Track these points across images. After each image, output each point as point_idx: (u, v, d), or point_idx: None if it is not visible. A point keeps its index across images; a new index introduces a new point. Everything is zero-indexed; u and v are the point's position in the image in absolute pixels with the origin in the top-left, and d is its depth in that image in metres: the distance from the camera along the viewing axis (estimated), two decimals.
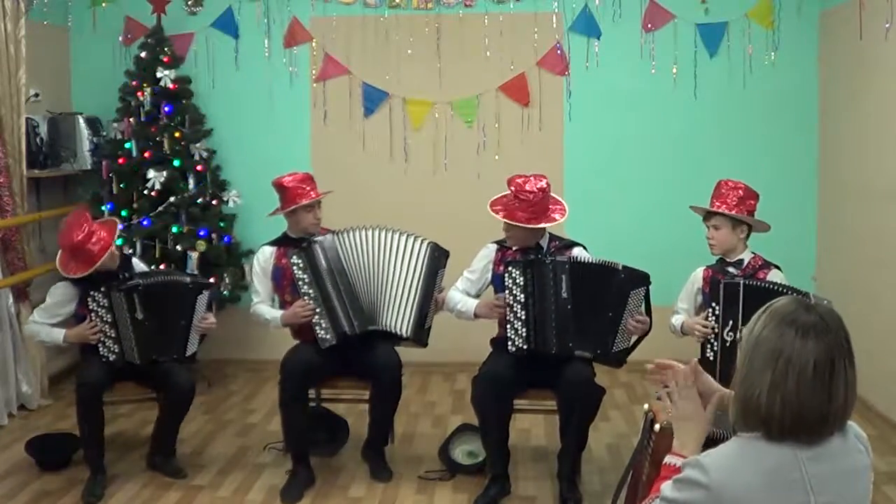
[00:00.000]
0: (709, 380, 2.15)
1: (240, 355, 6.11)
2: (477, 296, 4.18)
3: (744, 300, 3.61)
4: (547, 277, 3.86)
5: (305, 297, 4.08)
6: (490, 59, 6.06)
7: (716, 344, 3.72)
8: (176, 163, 5.60)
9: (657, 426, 2.17)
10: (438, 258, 4.19)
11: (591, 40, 6.04)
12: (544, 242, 4.09)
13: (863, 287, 5.19)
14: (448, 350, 5.64)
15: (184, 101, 5.80)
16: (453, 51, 6.08)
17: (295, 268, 4.09)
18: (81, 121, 5.78)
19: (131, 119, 5.66)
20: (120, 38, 6.15)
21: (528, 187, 3.94)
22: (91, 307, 4.00)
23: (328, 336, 4.08)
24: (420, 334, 4.17)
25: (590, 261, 3.93)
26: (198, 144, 5.75)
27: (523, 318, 3.88)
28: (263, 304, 4.29)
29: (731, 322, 3.66)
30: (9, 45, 5.07)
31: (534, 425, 4.82)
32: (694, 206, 4.03)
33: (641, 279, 3.78)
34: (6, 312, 5.14)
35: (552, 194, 4.08)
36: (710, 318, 3.74)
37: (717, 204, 3.90)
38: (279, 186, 4.26)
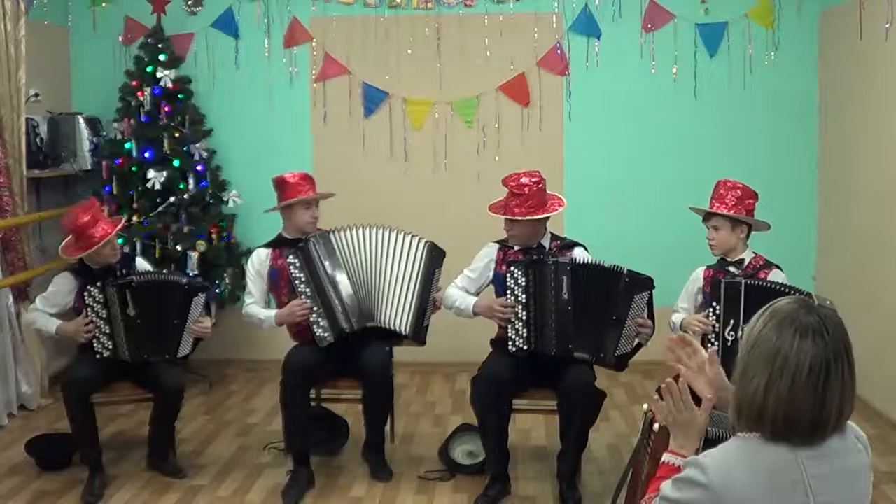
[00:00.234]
0: (720, 372, 2.15)
1: (240, 355, 6.11)
2: (476, 294, 4.17)
3: (745, 300, 3.60)
4: (548, 279, 3.85)
5: (302, 297, 4.08)
6: (490, 59, 6.07)
7: (716, 343, 3.71)
8: (176, 163, 5.61)
9: (656, 426, 2.17)
10: (436, 258, 4.20)
11: (591, 40, 6.05)
12: (546, 242, 4.09)
13: (863, 287, 5.19)
14: (448, 350, 5.65)
15: (184, 101, 5.80)
16: (453, 51, 6.08)
17: (291, 267, 4.09)
18: (81, 121, 5.78)
19: (131, 119, 5.66)
20: (120, 38, 6.16)
21: (522, 181, 3.96)
22: (87, 302, 4.01)
23: (326, 335, 4.08)
24: (419, 332, 4.17)
25: (593, 263, 3.91)
26: (198, 144, 5.75)
27: (524, 318, 3.89)
28: (256, 306, 4.29)
29: (732, 321, 3.66)
30: (9, 45, 5.07)
31: (534, 425, 4.82)
32: (693, 207, 4.03)
33: (645, 284, 3.76)
34: (6, 312, 5.14)
35: (548, 191, 4.08)
36: (710, 318, 3.74)
37: (716, 205, 3.90)
38: (280, 181, 4.27)
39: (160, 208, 5.55)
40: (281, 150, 6.05)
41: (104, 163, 5.66)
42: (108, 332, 4.03)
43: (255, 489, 4.14)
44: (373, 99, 6.13)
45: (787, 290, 3.48)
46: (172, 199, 5.58)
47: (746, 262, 3.90)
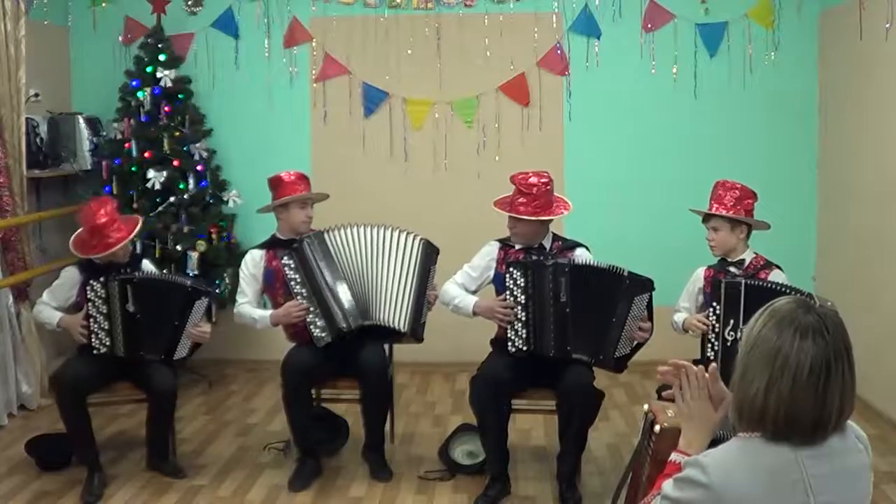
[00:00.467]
0: (724, 389, 2.14)
1: (240, 355, 6.11)
2: (475, 292, 4.17)
3: (745, 300, 3.60)
4: (546, 280, 3.84)
5: (298, 297, 4.08)
6: (490, 59, 6.07)
7: (716, 343, 3.71)
8: (176, 163, 5.60)
9: (657, 427, 2.17)
10: (431, 255, 4.20)
11: (591, 40, 6.05)
12: (547, 242, 4.08)
13: (863, 287, 5.19)
14: (448, 350, 5.65)
15: (184, 101, 5.80)
16: (453, 51, 6.08)
17: (286, 268, 4.09)
18: (81, 121, 5.78)
19: (131, 119, 5.66)
20: (120, 38, 6.16)
21: (530, 181, 3.95)
22: (89, 296, 4.03)
23: (324, 335, 4.08)
24: (417, 329, 4.17)
25: (593, 264, 3.90)
26: (198, 144, 5.75)
27: (523, 319, 3.88)
28: (249, 305, 4.29)
29: (731, 321, 3.65)
30: (9, 45, 5.07)
31: (534, 425, 4.82)
32: (693, 209, 4.02)
33: (645, 285, 3.74)
34: (6, 312, 5.14)
35: (555, 193, 4.07)
36: (710, 318, 3.73)
37: (715, 206, 3.90)
38: (275, 180, 4.28)
39: (160, 208, 5.55)
40: (281, 150, 6.05)
41: (104, 163, 5.66)
42: (106, 327, 4.04)
43: (255, 489, 4.13)
44: (373, 99, 6.13)
45: (787, 291, 3.48)
46: (172, 199, 5.58)
47: (747, 262, 3.90)
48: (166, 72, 5.66)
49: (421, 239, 4.21)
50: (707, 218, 3.93)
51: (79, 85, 6.25)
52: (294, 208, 4.26)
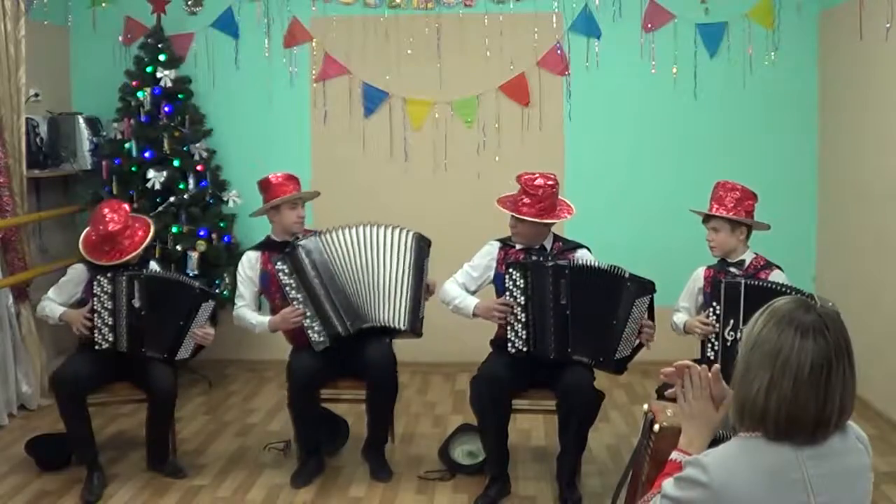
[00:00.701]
0: (726, 388, 2.15)
1: (240, 355, 6.11)
2: (475, 292, 4.16)
3: (745, 300, 3.60)
4: (546, 282, 3.83)
5: (294, 303, 4.08)
6: (490, 59, 6.07)
7: (717, 343, 3.71)
8: (176, 163, 5.61)
9: (657, 427, 2.17)
10: (423, 247, 4.19)
11: (591, 40, 6.04)
12: (548, 243, 4.07)
13: (863, 287, 5.19)
14: (448, 350, 5.66)
15: (184, 101, 5.80)
16: (453, 51, 6.08)
17: (280, 274, 4.08)
18: (81, 121, 5.78)
19: (131, 119, 5.66)
20: (120, 38, 6.16)
21: (536, 182, 3.93)
22: (95, 291, 4.04)
23: (321, 339, 4.08)
24: (415, 325, 4.17)
25: (594, 266, 3.87)
26: (198, 144, 5.75)
27: (523, 320, 3.88)
28: (247, 309, 4.30)
29: (732, 322, 3.65)
30: (9, 45, 5.07)
31: (534, 425, 4.81)
32: (693, 210, 4.02)
33: (647, 288, 3.71)
34: (6, 312, 5.14)
35: (560, 198, 4.05)
36: (710, 318, 3.73)
37: (715, 206, 3.89)
38: (264, 182, 4.28)
39: (160, 208, 5.55)
40: (281, 151, 6.05)
41: (104, 163, 5.66)
42: (110, 323, 4.05)
43: (255, 489, 4.13)
44: (373, 99, 6.13)
45: (787, 291, 3.48)
46: (172, 199, 5.58)
47: (747, 262, 3.90)
48: (166, 72, 5.66)
49: (412, 233, 4.20)
50: (707, 218, 3.92)
51: (79, 85, 6.25)
52: (285, 209, 4.25)
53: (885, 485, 4.03)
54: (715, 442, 1.96)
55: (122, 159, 5.62)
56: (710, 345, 3.76)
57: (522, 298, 3.87)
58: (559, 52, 6.05)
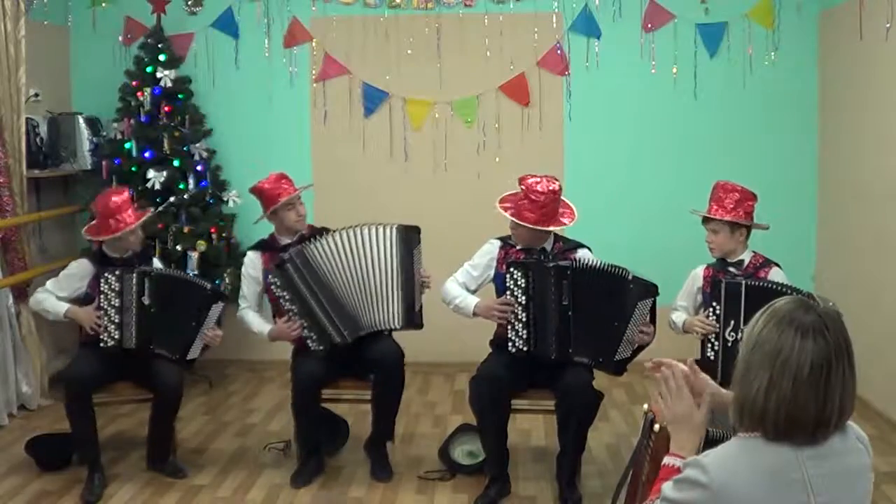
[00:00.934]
0: (705, 379, 2.16)
1: (240, 355, 6.10)
2: (475, 291, 4.15)
3: (746, 300, 3.60)
4: (548, 282, 3.82)
5: (289, 314, 4.08)
6: (490, 59, 6.06)
7: (717, 343, 3.71)
8: (176, 163, 5.61)
9: (657, 426, 2.17)
10: (409, 238, 4.15)
11: (591, 40, 6.04)
12: (549, 244, 4.05)
13: (863, 287, 5.19)
14: (448, 350, 5.66)
15: (184, 101, 5.80)
16: (453, 51, 6.08)
17: (273, 286, 4.09)
18: (81, 121, 5.78)
19: (131, 119, 5.66)
20: (120, 38, 6.15)
21: (538, 188, 3.89)
22: (102, 288, 4.03)
23: (320, 347, 4.10)
24: (412, 320, 4.16)
25: (597, 266, 3.82)
26: (198, 144, 5.76)
27: (524, 319, 3.87)
28: (250, 311, 4.31)
29: (732, 322, 3.65)
30: (9, 45, 5.07)
31: (534, 425, 4.81)
32: (693, 210, 4.01)
33: (650, 290, 3.68)
34: (6, 312, 5.14)
35: (563, 198, 4.03)
36: (710, 317, 3.73)
37: (715, 208, 3.87)
38: (257, 191, 4.27)
39: (160, 208, 5.55)
40: (281, 151, 6.05)
41: (104, 163, 5.66)
42: (116, 320, 4.05)
43: (255, 489, 4.13)
44: (373, 99, 6.13)
45: (788, 291, 3.47)
46: (172, 199, 5.58)
47: (746, 262, 3.90)
48: (166, 72, 5.66)
49: (395, 227, 4.15)
50: (707, 220, 3.92)
51: (79, 85, 6.25)
52: (283, 212, 4.24)
53: (885, 485, 4.03)
54: (714, 442, 1.96)
55: (122, 159, 5.62)
56: (710, 345, 3.76)
57: (523, 298, 3.87)
58: (559, 52, 6.05)
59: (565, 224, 4.00)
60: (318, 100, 6.18)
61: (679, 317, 3.98)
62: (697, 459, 1.80)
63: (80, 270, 4.19)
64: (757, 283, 3.68)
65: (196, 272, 5.45)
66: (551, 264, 3.86)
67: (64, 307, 4.14)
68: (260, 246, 4.34)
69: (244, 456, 4.55)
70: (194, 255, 5.52)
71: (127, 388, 4.25)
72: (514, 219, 3.94)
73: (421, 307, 4.19)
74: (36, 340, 5.32)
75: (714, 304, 3.73)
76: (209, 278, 5.45)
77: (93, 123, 5.87)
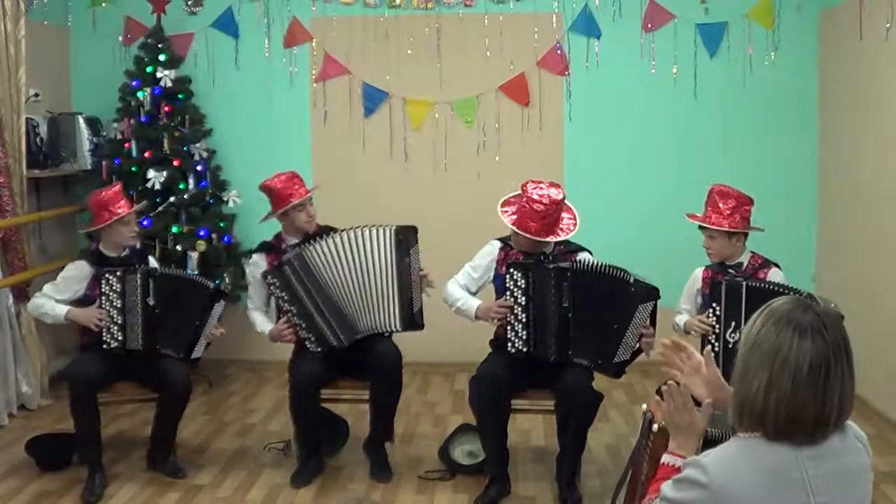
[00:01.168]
0: (717, 372, 2.16)
1: (240, 355, 6.11)
2: (476, 292, 4.15)
3: (746, 301, 3.58)
4: (548, 284, 3.81)
5: (288, 315, 4.08)
6: (490, 59, 6.06)
7: (717, 344, 3.70)
8: (176, 163, 5.61)
9: (655, 426, 2.17)
10: (406, 238, 4.13)
11: (591, 40, 6.04)
12: (549, 246, 4.02)
13: (863, 287, 5.19)
14: (448, 350, 5.66)
15: (184, 101, 5.80)
16: (453, 51, 6.08)
17: (272, 286, 4.08)
18: (81, 121, 5.78)
19: (131, 119, 5.66)
20: (120, 38, 6.16)
21: (543, 200, 3.83)
22: (103, 289, 4.02)
23: (319, 349, 4.10)
24: (412, 321, 4.16)
25: (597, 268, 3.78)
26: (198, 144, 5.76)
27: (524, 320, 3.87)
28: (257, 312, 4.32)
29: (733, 323, 3.64)
30: (9, 45, 5.07)
31: (534, 425, 4.81)
32: (690, 215, 3.97)
33: (652, 294, 3.65)
34: (6, 312, 5.14)
35: (566, 203, 4.00)
36: (710, 318, 3.72)
37: (712, 216, 3.84)
38: (267, 189, 4.24)
39: (160, 208, 5.56)
40: (281, 151, 6.04)
41: (104, 163, 5.67)
42: (119, 321, 4.04)
43: (255, 489, 4.14)
44: (373, 99, 6.13)
45: (788, 292, 3.47)
46: (172, 199, 5.58)
47: (745, 264, 3.89)
48: (166, 72, 5.66)
49: (391, 229, 4.12)
50: (704, 227, 3.90)
51: (79, 85, 6.25)
52: (294, 213, 4.21)
53: (884, 484, 4.03)
54: (714, 442, 1.96)
55: (122, 159, 5.62)
56: (710, 345, 3.74)
57: (523, 299, 3.86)
58: (559, 52, 6.05)
59: (566, 235, 3.94)
60: (318, 100, 6.18)
61: (681, 319, 3.98)
62: (697, 459, 1.81)
63: (78, 272, 4.17)
64: (757, 284, 3.68)
65: (196, 272, 5.45)
66: (551, 265, 3.85)
67: (63, 310, 4.11)
68: (264, 248, 4.32)
69: (244, 456, 4.55)
70: (194, 255, 5.52)
71: (128, 387, 4.25)
72: (515, 227, 3.92)
73: (421, 307, 4.19)
74: (36, 340, 5.32)
75: (714, 305, 3.72)
76: (209, 278, 5.47)
77: (93, 123, 5.87)
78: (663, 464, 2.00)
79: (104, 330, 4.03)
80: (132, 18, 6.12)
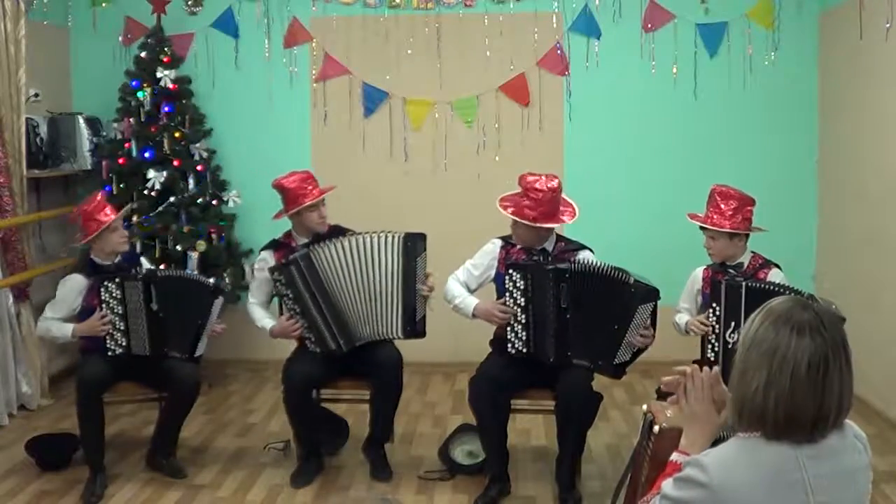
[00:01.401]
0: (726, 391, 2.15)
1: (240, 355, 6.11)
2: (476, 290, 4.14)
3: (746, 301, 3.58)
4: (547, 285, 3.80)
5: (291, 313, 4.08)
6: (490, 59, 6.07)
7: (717, 344, 3.70)
8: (176, 163, 5.61)
9: (656, 428, 2.17)
10: (413, 246, 4.11)
11: (591, 40, 6.05)
12: (550, 244, 4.04)
13: (863, 287, 5.19)
14: (448, 350, 5.66)
15: (184, 101, 5.80)
16: (453, 51, 6.08)
17: (277, 283, 4.07)
18: (81, 121, 5.78)
19: (131, 119, 5.66)
20: (120, 38, 6.16)
21: (538, 186, 3.87)
22: (103, 298, 4.01)
23: (319, 349, 4.10)
24: (414, 329, 4.16)
25: (597, 269, 3.77)
26: (198, 144, 5.75)
27: (523, 321, 3.87)
28: (258, 307, 4.31)
29: (733, 324, 3.63)
30: (9, 45, 5.07)
31: (534, 425, 4.81)
32: (692, 215, 3.96)
33: (652, 295, 3.64)
34: (6, 312, 5.14)
35: (564, 196, 4.02)
36: (710, 318, 3.72)
37: (714, 217, 3.84)
38: (280, 188, 4.20)
39: (160, 208, 5.56)
40: (281, 150, 6.05)
41: (104, 163, 5.67)
42: (122, 328, 4.03)
43: (255, 488, 4.14)
44: (373, 99, 6.13)
45: (788, 292, 3.46)
46: (172, 199, 5.58)
47: (746, 264, 3.89)
48: (166, 72, 5.66)
49: (400, 236, 4.11)
50: (705, 227, 3.89)
51: (79, 85, 6.25)
52: (306, 212, 4.17)
53: (884, 484, 4.03)
54: (714, 442, 1.96)
55: (122, 159, 5.62)
56: (710, 346, 3.75)
57: (522, 300, 3.86)
58: (559, 52, 6.05)
59: (564, 221, 3.98)
60: (318, 100, 6.18)
61: (682, 318, 3.98)
62: (697, 459, 1.81)
63: (73, 287, 4.13)
64: (757, 285, 3.66)
65: (196, 272, 5.45)
66: (550, 266, 3.84)
67: (69, 328, 4.10)
68: (274, 245, 4.29)
69: (244, 456, 4.55)
70: (194, 255, 5.52)
71: (131, 387, 4.25)
72: (514, 216, 3.92)
73: (424, 316, 4.18)
74: (36, 340, 5.31)
75: (714, 305, 3.71)
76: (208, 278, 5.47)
77: (93, 123, 5.87)
78: (671, 461, 1.99)
79: (108, 337, 4.02)
80: (132, 18, 6.12)
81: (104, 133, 5.92)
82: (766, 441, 1.76)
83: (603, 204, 5.94)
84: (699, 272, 4.00)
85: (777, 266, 3.89)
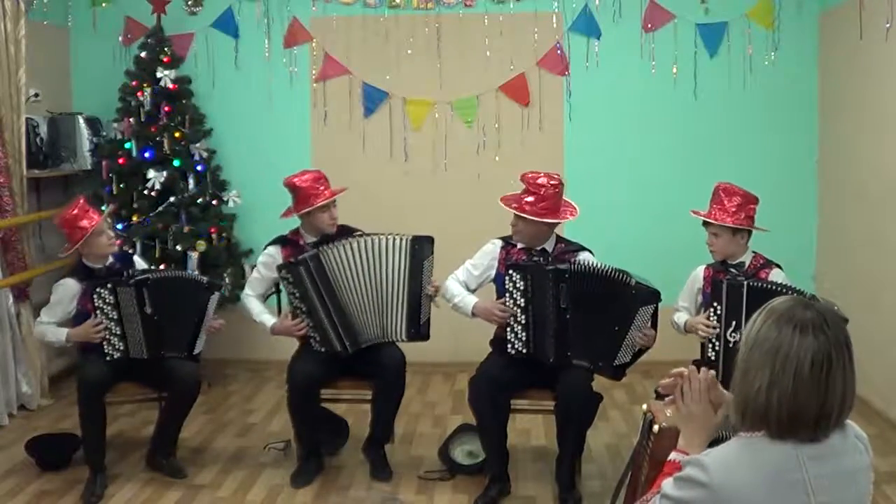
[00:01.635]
0: (723, 393, 2.15)
1: (240, 355, 6.11)
2: (475, 290, 4.14)
3: (747, 301, 3.57)
4: (546, 285, 3.79)
5: (297, 311, 4.07)
6: (490, 59, 6.07)
7: (718, 344, 3.69)
8: (176, 163, 5.61)
9: (656, 427, 2.17)
10: (420, 249, 4.10)
11: (591, 40, 6.05)
12: (550, 245, 4.03)
13: (863, 287, 5.19)
14: (448, 350, 5.65)
15: (184, 101, 5.80)
16: (453, 51, 6.08)
17: (284, 281, 4.07)
18: (81, 121, 5.78)
19: (131, 119, 5.66)
20: (120, 38, 6.16)
21: (540, 181, 3.89)
22: (96, 304, 3.98)
23: (322, 349, 4.10)
24: (418, 332, 4.15)
25: (598, 270, 3.76)
26: (198, 144, 5.76)
27: (523, 322, 3.87)
28: (254, 300, 4.29)
29: (734, 323, 3.63)
30: (9, 45, 5.07)
31: (534, 425, 4.81)
32: (695, 211, 3.97)
33: (653, 297, 3.63)
34: (6, 312, 5.14)
35: (565, 198, 4.02)
36: (711, 318, 3.71)
37: (717, 213, 3.84)
38: (292, 187, 4.16)
39: (160, 208, 5.55)
40: (281, 151, 6.05)
41: (104, 163, 5.67)
42: (118, 332, 4.02)
43: (255, 488, 4.14)
44: (373, 99, 6.13)
45: (789, 292, 3.46)
46: (172, 199, 5.58)
47: (747, 263, 3.89)
48: (166, 72, 5.66)
49: (408, 239, 4.10)
50: (708, 223, 3.89)
51: (79, 85, 6.25)
52: (317, 213, 4.15)
53: (885, 484, 4.03)
54: (715, 442, 1.96)
55: (122, 159, 5.62)
56: (711, 345, 3.74)
57: (522, 301, 3.86)
58: (559, 52, 6.05)
59: (567, 218, 3.98)
60: (318, 100, 6.18)
61: (681, 317, 3.97)
62: (698, 458, 1.80)
63: (66, 291, 4.11)
64: (758, 284, 3.66)
65: (196, 272, 5.45)
66: (550, 267, 3.84)
67: (63, 333, 4.09)
68: (282, 241, 4.27)
69: (244, 456, 4.55)
70: (194, 255, 5.52)
71: (131, 387, 4.24)
72: (516, 212, 3.92)
73: (428, 319, 4.17)
74: (36, 340, 5.31)
75: (715, 304, 3.71)
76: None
77: (93, 123, 5.87)
78: (670, 460, 1.99)
79: (105, 342, 4.01)
80: (132, 18, 6.12)
81: (104, 133, 5.92)
82: (768, 441, 1.76)
83: (603, 204, 5.93)
84: (700, 271, 3.99)
85: (778, 266, 3.89)
